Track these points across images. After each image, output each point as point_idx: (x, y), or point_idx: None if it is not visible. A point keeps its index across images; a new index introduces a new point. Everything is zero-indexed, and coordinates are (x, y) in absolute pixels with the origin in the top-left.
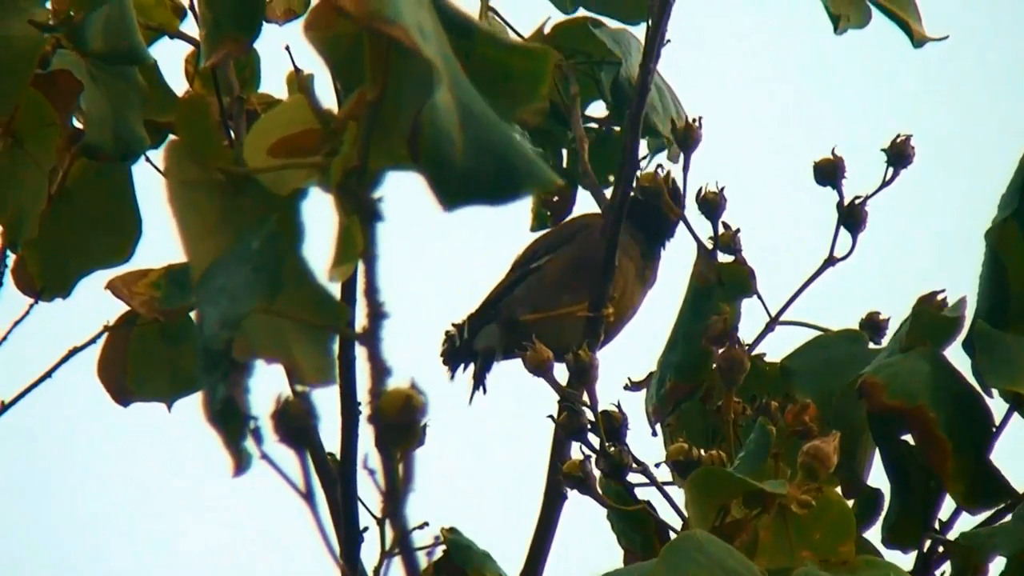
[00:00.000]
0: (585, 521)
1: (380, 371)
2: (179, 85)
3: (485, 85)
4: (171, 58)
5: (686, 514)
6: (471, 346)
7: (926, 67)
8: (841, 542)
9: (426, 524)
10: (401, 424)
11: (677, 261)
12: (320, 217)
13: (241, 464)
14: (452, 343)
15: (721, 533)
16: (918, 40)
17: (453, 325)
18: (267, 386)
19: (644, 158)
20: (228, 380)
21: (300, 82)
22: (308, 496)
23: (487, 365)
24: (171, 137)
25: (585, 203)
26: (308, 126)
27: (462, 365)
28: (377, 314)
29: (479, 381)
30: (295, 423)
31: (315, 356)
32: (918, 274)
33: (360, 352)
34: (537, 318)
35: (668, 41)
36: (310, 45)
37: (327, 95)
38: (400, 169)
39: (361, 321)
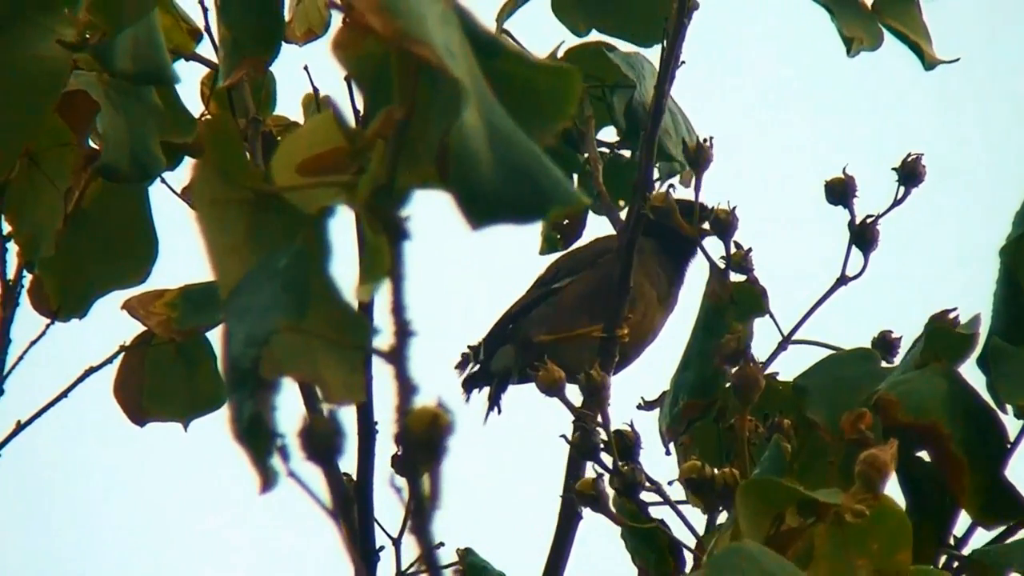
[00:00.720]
0: (600, 540)
1: (407, 389)
2: (195, 107)
3: (512, 104)
4: (187, 81)
5: (700, 531)
6: (487, 367)
7: (938, 87)
8: (898, 551)
9: (442, 544)
10: (428, 442)
11: (690, 281)
12: (347, 236)
13: (268, 481)
14: (467, 364)
15: (775, 543)
16: (930, 63)
17: (469, 347)
18: (295, 405)
19: (657, 180)
20: (255, 398)
21: (326, 102)
22: (336, 515)
23: (503, 386)
24: (194, 157)
25: (595, 227)
26: (336, 145)
27: (478, 386)
28: (404, 332)
29: (494, 401)
30: (322, 441)
31: (343, 374)
32: (930, 292)
33: (385, 370)
34: (553, 339)
35: (683, 63)
36: (338, 64)
37: (349, 115)
38: (428, 188)
39: (387, 339)
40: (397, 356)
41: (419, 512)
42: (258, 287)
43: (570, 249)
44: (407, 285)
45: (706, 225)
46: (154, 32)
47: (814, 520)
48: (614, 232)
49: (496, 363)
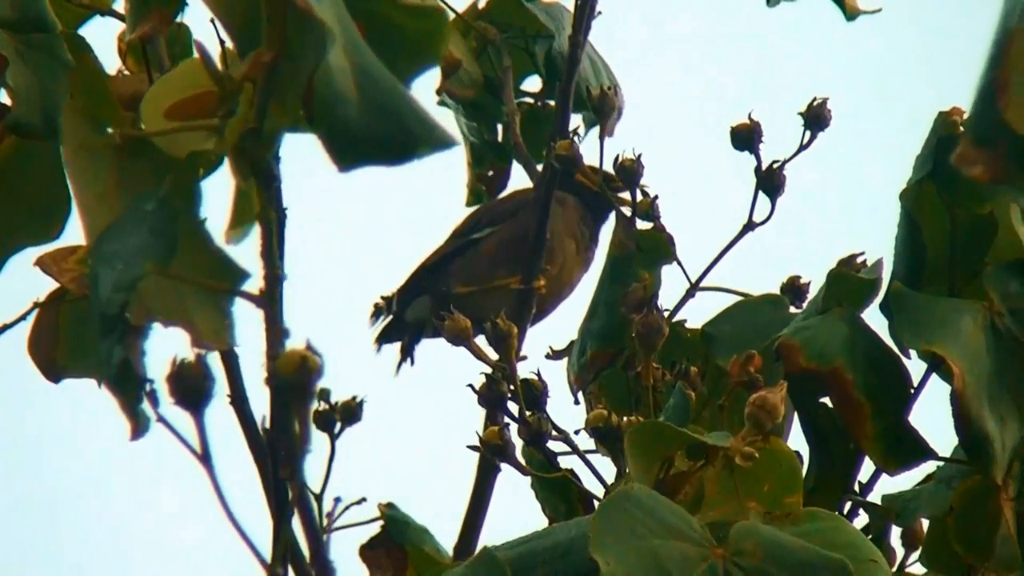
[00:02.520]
0: (519, 493)
1: (277, 333)
2: (114, 63)
3: (381, 46)
4: (106, 36)
5: (609, 480)
6: (402, 318)
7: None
8: (789, 494)
9: (363, 500)
10: (297, 384)
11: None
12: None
13: (138, 427)
14: (379, 316)
15: (664, 487)
16: (851, 13)
17: (381, 298)
18: (165, 349)
19: (576, 130)
20: (124, 343)
21: (196, 46)
22: (205, 458)
23: (417, 337)
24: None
25: (521, 178)
26: (205, 89)
27: (390, 340)
28: (274, 276)
29: (408, 352)
30: (192, 385)
31: (213, 319)
32: (837, 237)
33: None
34: (470, 291)
35: (599, 13)
36: (208, 8)
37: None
38: (297, 131)
39: (259, 283)
40: (268, 300)
41: (290, 454)
42: (126, 232)
43: (490, 202)
44: (280, 229)
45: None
46: None
47: (704, 464)
48: (532, 184)
49: (411, 314)
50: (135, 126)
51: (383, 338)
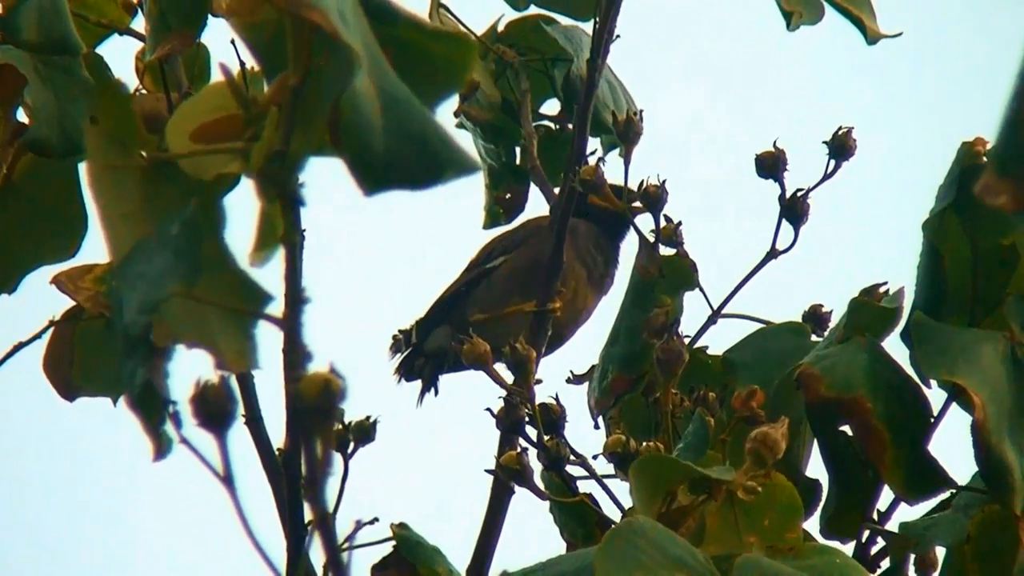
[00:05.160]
0: (533, 516)
1: (300, 356)
2: (131, 82)
3: (408, 71)
4: (123, 55)
5: (626, 505)
6: (421, 349)
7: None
8: (789, 528)
9: (376, 520)
10: (320, 408)
11: (623, 256)
12: (243, 203)
13: (160, 448)
14: (399, 348)
15: (667, 520)
16: (872, 37)
17: (399, 331)
18: (189, 371)
19: (593, 153)
20: (147, 365)
21: (222, 68)
22: (228, 480)
23: (438, 367)
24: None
25: (538, 201)
26: (231, 112)
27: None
28: (298, 299)
29: (430, 383)
30: (215, 407)
31: (237, 341)
32: (860, 266)
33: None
34: (487, 317)
35: (617, 36)
36: (233, 31)
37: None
38: (323, 155)
39: (282, 306)
40: (291, 323)
41: (312, 477)
42: (151, 254)
43: (502, 231)
44: (301, 252)
45: (637, 201)
46: (59, 2)
47: (706, 497)
48: (548, 207)
49: (431, 343)
50: (160, 147)
51: (403, 370)
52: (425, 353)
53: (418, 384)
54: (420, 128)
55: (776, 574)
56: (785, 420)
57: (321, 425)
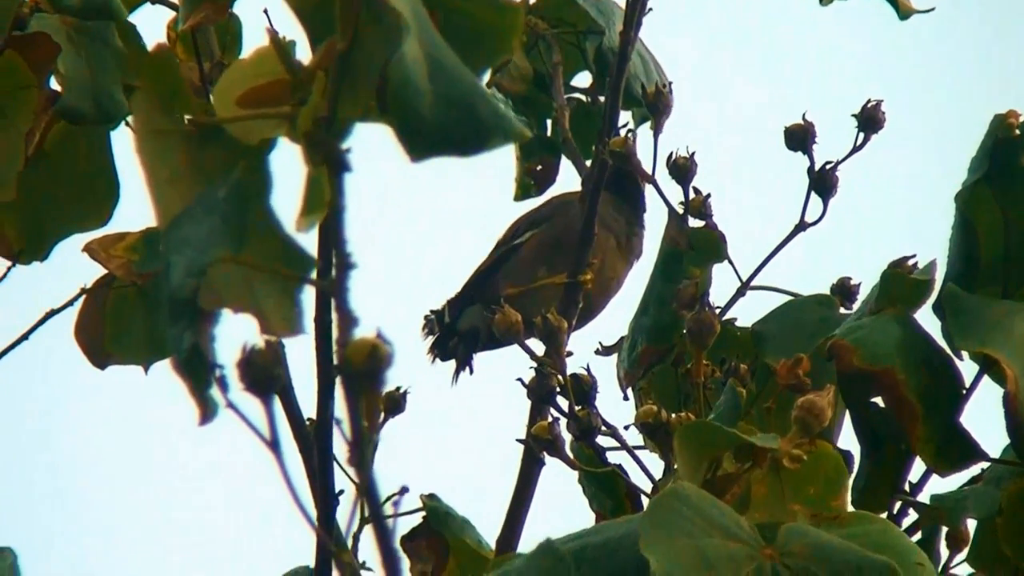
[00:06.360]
0: (563, 487)
1: (348, 321)
2: None
3: (455, 38)
4: (154, 24)
5: (657, 476)
6: (454, 327)
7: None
8: (834, 496)
9: (406, 490)
10: (367, 372)
11: (652, 228)
12: (289, 167)
13: (207, 413)
14: (432, 328)
15: (712, 487)
16: (904, 12)
17: (431, 311)
18: (235, 336)
19: (625, 126)
20: (194, 329)
21: (269, 33)
22: (274, 445)
23: (472, 345)
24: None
25: (569, 172)
26: (277, 76)
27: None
28: (345, 264)
29: (464, 361)
30: (261, 372)
31: (282, 306)
32: (889, 239)
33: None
34: (518, 291)
35: (650, 9)
36: None
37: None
38: (369, 120)
39: (329, 272)
40: (338, 288)
41: (357, 444)
42: (198, 218)
43: (527, 210)
44: (347, 217)
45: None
46: None
47: (751, 465)
48: (580, 179)
49: (463, 322)
50: (207, 112)
51: (436, 350)
52: (458, 333)
53: (452, 364)
54: (468, 94)
55: (820, 541)
56: (831, 388)
57: (369, 390)
